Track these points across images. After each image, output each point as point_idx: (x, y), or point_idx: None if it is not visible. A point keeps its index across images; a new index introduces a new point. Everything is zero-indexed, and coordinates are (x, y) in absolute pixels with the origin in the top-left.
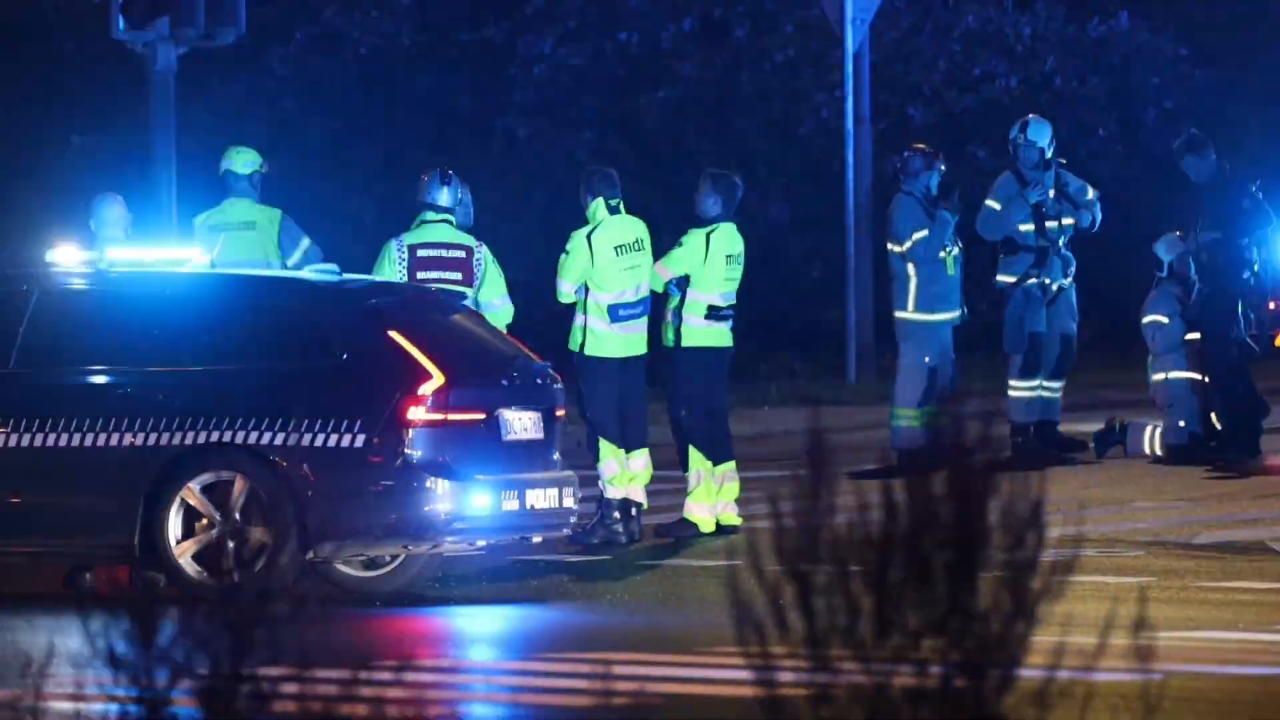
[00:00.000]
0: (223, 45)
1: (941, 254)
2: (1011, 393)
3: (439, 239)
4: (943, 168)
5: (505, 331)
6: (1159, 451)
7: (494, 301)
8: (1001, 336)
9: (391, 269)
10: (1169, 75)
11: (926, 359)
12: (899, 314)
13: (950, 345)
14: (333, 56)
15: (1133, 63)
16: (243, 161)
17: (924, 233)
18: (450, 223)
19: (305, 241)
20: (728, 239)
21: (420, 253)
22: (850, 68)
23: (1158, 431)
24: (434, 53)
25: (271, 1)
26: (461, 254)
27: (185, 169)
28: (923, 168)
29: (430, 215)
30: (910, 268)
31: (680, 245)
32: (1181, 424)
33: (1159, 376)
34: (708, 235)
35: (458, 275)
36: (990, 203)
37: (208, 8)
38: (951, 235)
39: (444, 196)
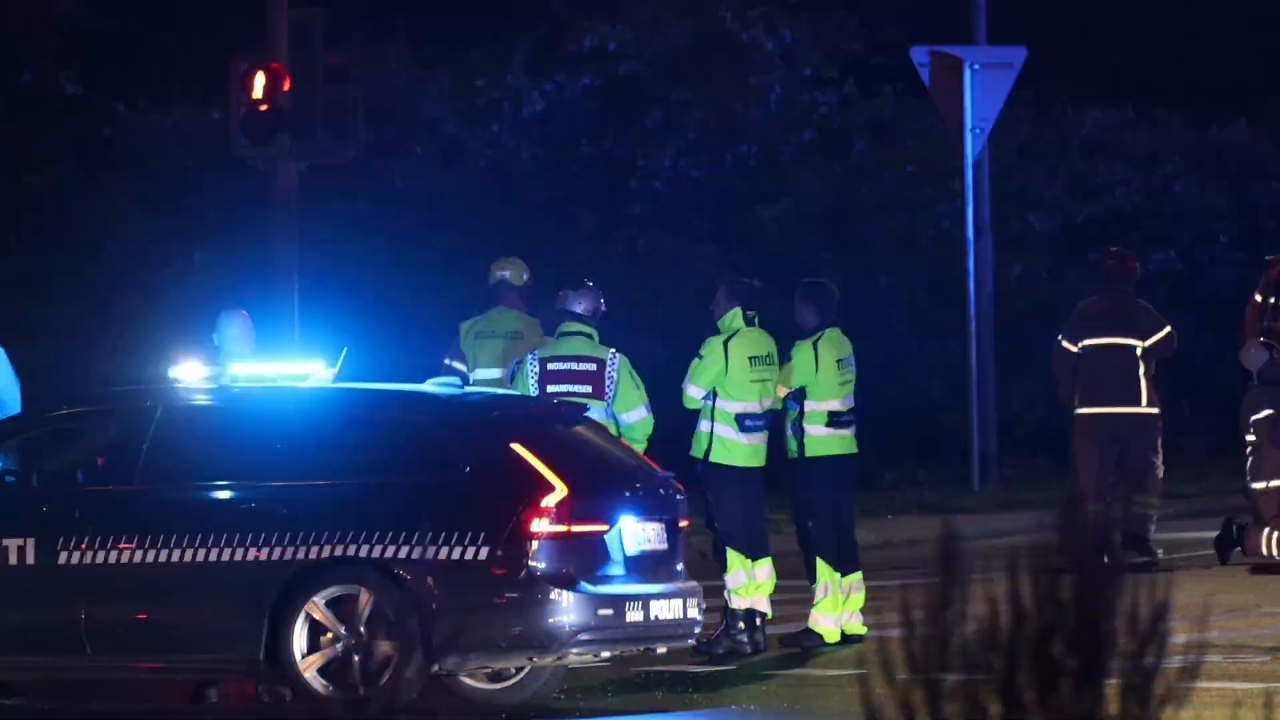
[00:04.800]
0: (343, 161)
1: None
2: None
3: (571, 352)
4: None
5: (647, 443)
6: (1277, 555)
7: (627, 415)
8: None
9: (524, 383)
10: None
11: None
12: (1150, 409)
13: None
14: (452, 171)
15: (1253, 169)
16: (516, 273)
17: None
18: (587, 334)
19: None
20: (835, 344)
21: (550, 366)
22: (970, 177)
23: (1275, 535)
24: (554, 166)
25: (391, 117)
26: (593, 366)
27: (306, 283)
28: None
29: (569, 326)
30: (1150, 365)
31: (791, 359)
32: None
33: (1275, 483)
34: (814, 344)
35: (587, 388)
36: None
37: (328, 124)
38: None
39: (577, 304)
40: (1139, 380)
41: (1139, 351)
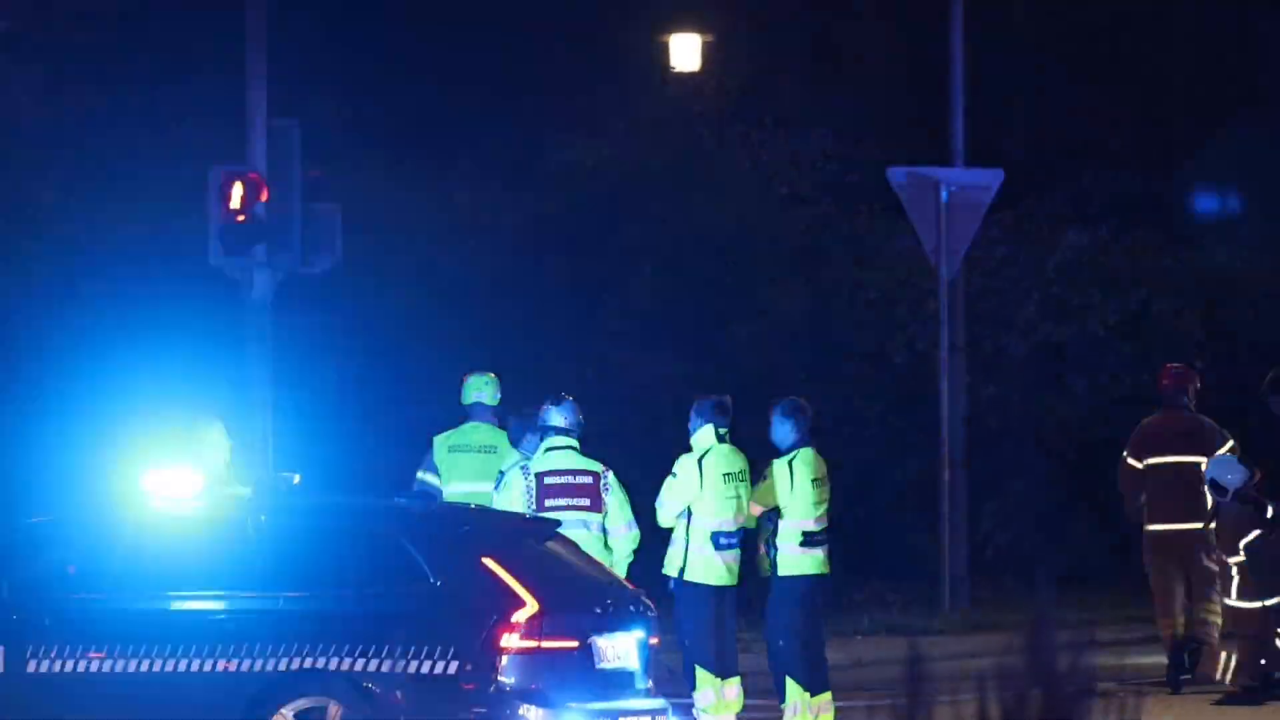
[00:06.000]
0: (319, 272)
1: None
2: None
3: (565, 465)
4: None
5: (632, 557)
6: (1228, 681)
7: (619, 527)
8: None
9: (520, 498)
10: (1264, 307)
11: None
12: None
13: None
14: (428, 284)
15: (1228, 293)
16: (491, 392)
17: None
18: (574, 447)
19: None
20: (810, 463)
21: (548, 480)
22: (945, 297)
23: (1234, 660)
24: (529, 280)
25: (367, 230)
26: (588, 479)
27: (281, 394)
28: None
29: (555, 440)
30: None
31: (765, 478)
32: (1263, 662)
33: (1254, 604)
34: (790, 463)
35: (585, 501)
36: None
37: (304, 235)
38: None
39: (557, 417)
40: (1203, 497)
41: (1203, 468)
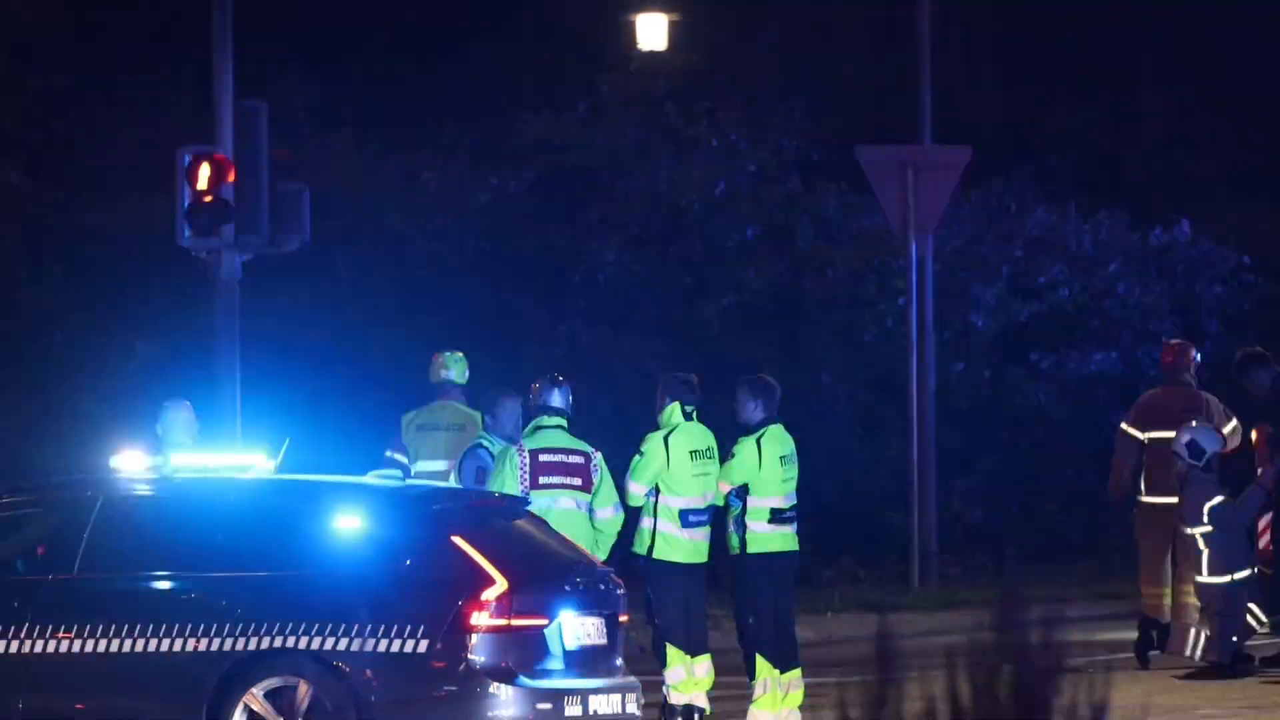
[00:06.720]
0: (287, 252)
1: None
2: None
3: (558, 444)
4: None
5: (615, 539)
6: (1198, 657)
7: (606, 509)
8: None
9: (514, 474)
10: (1231, 284)
11: None
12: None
13: None
14: (396, 263)
15: (1195, 271)
16: (460, 371)
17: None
18: (564, 427)
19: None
20: (778, 441)
21: (542, 457)
22: (914, 275)
23: (1203, 635)
24: (498, 259)
25: (336, 209)
26: (580, 459)
27: (249, 374)
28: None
29: (546, 420)
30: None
31: (733, 456)
32: (1234, 639)
33: (1223, 579)
34: (758, 441)
35: (578, 480)
36: None
37: (272, 215)
38: None
39: (556, 398)
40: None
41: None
